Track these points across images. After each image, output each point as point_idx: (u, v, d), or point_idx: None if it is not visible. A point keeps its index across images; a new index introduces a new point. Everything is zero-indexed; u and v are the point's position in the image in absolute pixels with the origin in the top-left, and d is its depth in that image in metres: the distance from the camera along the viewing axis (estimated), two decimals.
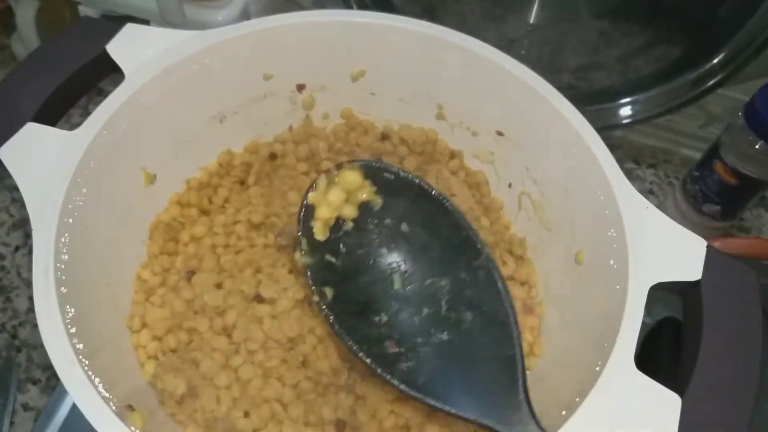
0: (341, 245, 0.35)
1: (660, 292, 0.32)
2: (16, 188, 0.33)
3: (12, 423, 0.46)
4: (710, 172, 0.49)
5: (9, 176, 0.33)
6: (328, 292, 0.35)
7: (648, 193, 0.59)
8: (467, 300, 0.33)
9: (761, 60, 0.53)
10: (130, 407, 0.31)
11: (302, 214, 0.36)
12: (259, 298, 0.37)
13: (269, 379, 0.35)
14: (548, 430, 0.29)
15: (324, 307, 0.34)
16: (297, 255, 0.36)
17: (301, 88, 0.43)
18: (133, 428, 0.28)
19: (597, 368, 0.30)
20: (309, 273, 0.35)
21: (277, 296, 0.37)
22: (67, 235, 0.32)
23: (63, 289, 0.31)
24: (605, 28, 0.61)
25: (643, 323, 0.30)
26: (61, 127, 0.35)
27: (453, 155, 0.44)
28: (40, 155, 0.34)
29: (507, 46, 0.39)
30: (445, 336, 0.33)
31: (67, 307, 0.30)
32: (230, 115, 0.42)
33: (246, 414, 0.34)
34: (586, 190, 0.36)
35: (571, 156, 0.36)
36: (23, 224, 0.55)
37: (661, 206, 0.33)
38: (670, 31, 0.59)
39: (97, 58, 0.37)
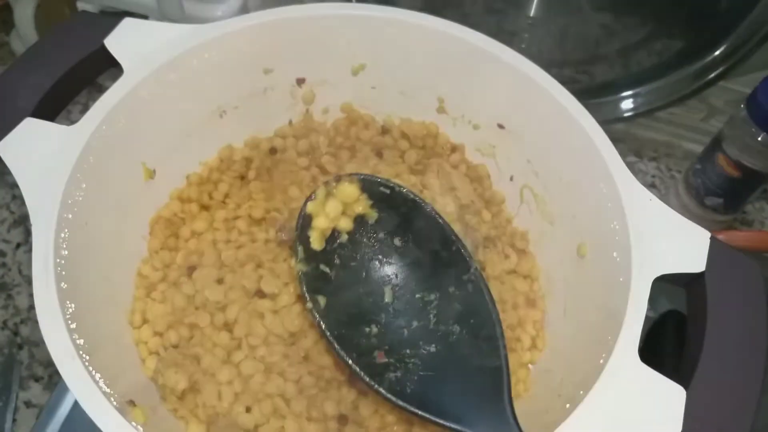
0: (335, 257, 0.36)
1: (663, 286, 0.32)
2: (16, 185, 0.33)
3: (14, 420, 0.46)
4: (712, 165, 0.49)
5: (9, 173, 0.33)
6: (321, 300, 0.35)
7: (650, 187, 0.59)
8: (455, 313, 0.34)
9: (763, 52, 0.53)
10: (132, 403, 0.31)
11: (300, 222, 0.36)
12: (260, 293, 0.37)
13: (271, 374, 0.35)
14: None
15: (316, 314, 0.34)
16: (293, 262, 0.36)
17: (301, 82, 0.43)
18: (134, 424, 0.28)
19: (601, 361, 0.29)
20: (304, 280, 0.35)
21: (278, 291, 0.37)
22: (66, 230, 0.32)
23: (63, 285, 0.30)
24: (606, 20, 0.61)
25: (647, 317, 0.30)
26: (61, 124, 0.35)
27: (454, 149, 0.44)
28: (39, 150, 0.34)
29: (508, 39, 0.39)
30: (433, 348, 0.34)
31: (68, 302, 0.30)
32: (230, 109, 0.42)
33: (248, 409, 0.34)
34: (588, 183, 0.36)
35: (573, 148, 0.36)
36: (24, 221, 0.55)
37: (663, 199, 0.33)
38: (671, 23, 0.59)
39: (96, 53, 0.37)
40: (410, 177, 0.42)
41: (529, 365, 0.38)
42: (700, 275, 0.31)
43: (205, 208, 0.41)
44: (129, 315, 0.37)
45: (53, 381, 0.47)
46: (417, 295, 0.35)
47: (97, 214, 0.35)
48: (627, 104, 0.58)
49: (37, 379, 0.47)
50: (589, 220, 0.36)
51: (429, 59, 0.40)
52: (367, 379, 0.33)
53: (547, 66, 0.38)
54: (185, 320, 0.36)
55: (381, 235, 0.36)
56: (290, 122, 0.44)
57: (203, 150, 0.42)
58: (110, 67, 0.38)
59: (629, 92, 0.58)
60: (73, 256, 0.32)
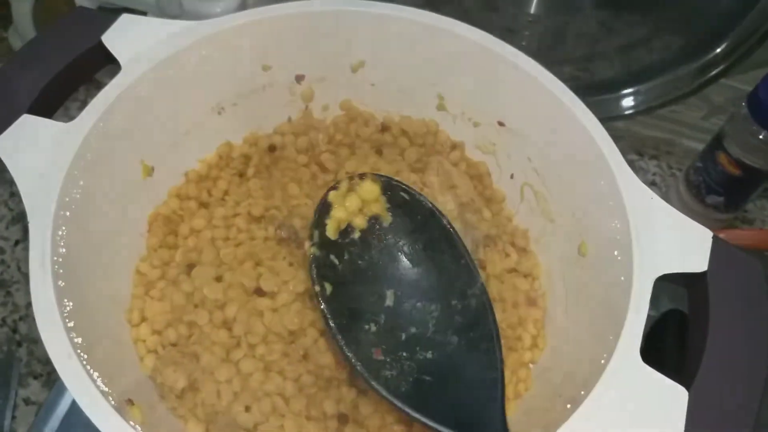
0: (345, 252, 0.36)
1: (665, 285, 0.31)
2: (14, 182, 0.33)
3: (14, 417, 0.45)
4: (713, 163, 0.49)
5: (7, 169, 0.33)
6: (328, 287, 0.35)
7: (651, 185, 0.59)
8: (455, 325, 0.34)
9: (765, 49, 0.53)
10: (130, 401, 0.30)
11: (320, 208, 0.36)
12: (259, 291, 0.37)
13: (270, 373, 0.35)
14: None
15: (321, 300, 0.35)
16: (307, 245, 0.36)
17: (300, 79, 0.42)
18: (132, 422, 0.27)
19: (602, 361, 0.29)
20: (314, 265, 0.35)
21: (277, 289, 0.37)
22: (64, 228, 0.32)
23: (61, 283, 0.30)
24: (606, 18, 0.61)
25: (648, 316, 0.30)
26: (59, 120, 0.34)
27: (454, 146, 0.43)
28: (36, 147, 0.33)
29: (507, 36, 0.39)
30: (429, 354, 0.34)
31: (65, 300, 0.30)
32: (229, 106, 0.41)
33: (247, 408, 0.34)
34: (589, 181, 0.35)
35: (574, 146, 0.36)
36: (22, 218, 0.55)
37: (664, 198, 0.33)
38: (672, 20, 0.58)
39: (93, 49, 0.37)
40: (410, 175, 0.41)
41: (530, 364, 0.38)
42: (703, 275, 0.31)
43: (203, 205, 0.41)
44: (127, 313, 0.37)
45: (52, 378, 0.47)
46: (418, 304, 0.35)
47: (95, 212, 0.35)
48: (628, 102, 0.58)
49: (36, 377, 0.47)
50: (590, 218, 0.36)
51: (429, 56, 0.40)
52: (366, 375, 0.33)
53: (548, 63, 0.38)
54: (184, 318, 0.36)
55: (392, 239, 0.37)
56: (289, 119, 0.44)
57: (202, 147, 0.42)
58: (108, 64, 0.37)
59: (630, 90, 0.58)
60: (70, 254, 0.32)
